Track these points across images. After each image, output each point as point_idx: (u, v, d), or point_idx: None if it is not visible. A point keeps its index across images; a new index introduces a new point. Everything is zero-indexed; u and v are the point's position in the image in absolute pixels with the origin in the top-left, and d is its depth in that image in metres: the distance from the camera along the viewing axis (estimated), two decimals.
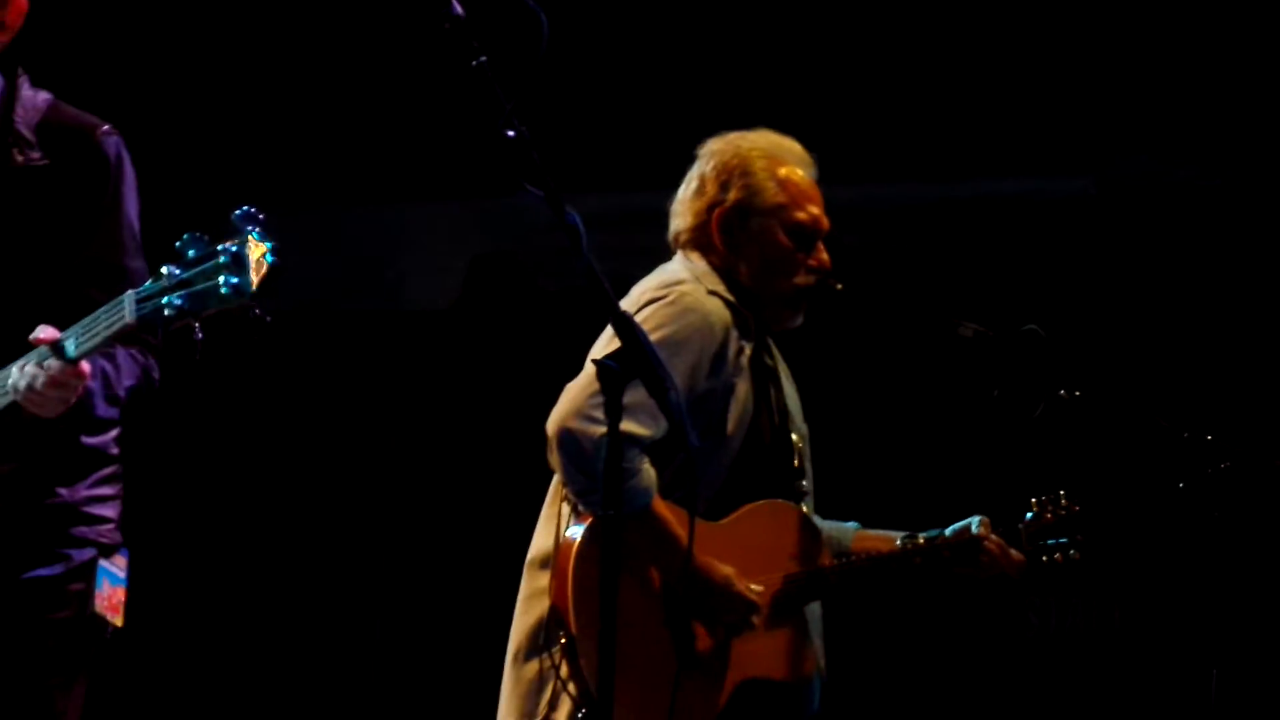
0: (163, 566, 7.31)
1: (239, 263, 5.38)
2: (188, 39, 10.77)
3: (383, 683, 11.07)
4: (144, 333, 5.79)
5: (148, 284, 5.50)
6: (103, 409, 5.91)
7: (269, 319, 5.50)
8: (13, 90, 6.06)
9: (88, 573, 6.06)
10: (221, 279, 5.38)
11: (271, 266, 5.40)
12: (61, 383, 5.66)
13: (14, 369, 5.74)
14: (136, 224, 6.15)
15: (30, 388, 5.70)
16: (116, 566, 6.10)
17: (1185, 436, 7.18)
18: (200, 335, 5.46)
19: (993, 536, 7.03)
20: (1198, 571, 9.51)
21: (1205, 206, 10.16)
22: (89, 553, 6.07)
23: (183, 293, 5.43)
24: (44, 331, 5.70)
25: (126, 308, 5.54)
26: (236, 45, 10.73)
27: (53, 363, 5.66)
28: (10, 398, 5.80)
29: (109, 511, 6.12)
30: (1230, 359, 9.84)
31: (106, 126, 6.10)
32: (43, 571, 6.01)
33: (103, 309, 5.62)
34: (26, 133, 6.05)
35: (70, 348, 5.67)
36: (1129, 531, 7.46)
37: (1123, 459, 7.39)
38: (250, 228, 5.40)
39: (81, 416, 5.87)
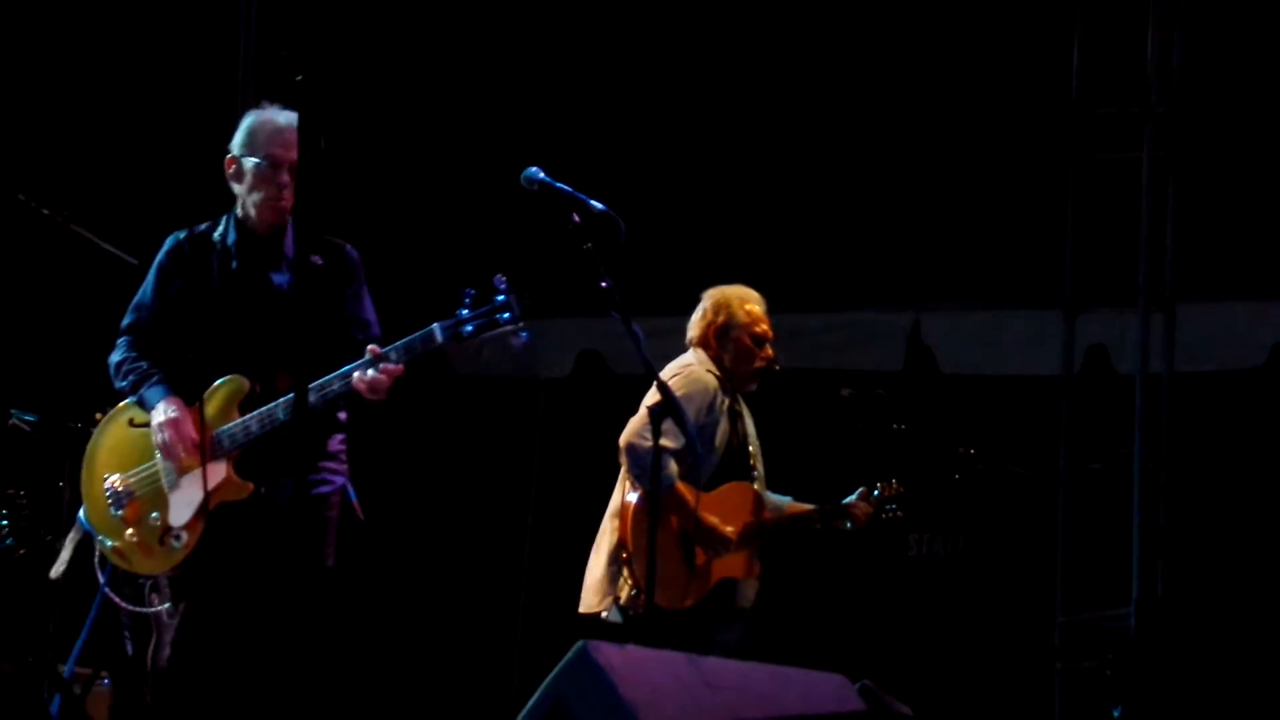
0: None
1: (509, 306, 5.65)
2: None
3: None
4: (446, 348, 5.73)
5: (447, 320, 5.67)
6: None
7: (528, 336, 5.70)
8: (288, 229, 6.00)
9: (343, 491, 6.05)
10: (498, 316, 5.64)
11: (528, 306, 5.66)
12: (393, 376, 5.71)
13: (355, 372, 5.68)
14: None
15: (375, 379, 5.68)
16: (351, 486, 6.07)
17: (960, 450, 7.46)
18: (484, 351, 5.78)
19: (860, 504, 7.33)
20: (968, 523, 9.97)
21: None
22: (340, 479, 6.06)
23: (472, 324, 5.66)
24: (372, 347, 5.74)
25: (437, 334, 5.70)
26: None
27: (388, 365, 5.69)
28: (332, 392, 5.70)
29: (344, 458, 6.10)
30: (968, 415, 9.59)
31: (350, 245, 6.09)
32: (323, 489, 5.99)
33: (415, 335, 5.71)
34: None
35: (394, 357, 5.71)
36: (932, 500, 7.55)
37: (927, 461, 7.46)
38: (510, 287, 5.66)
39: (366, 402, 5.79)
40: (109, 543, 6.01)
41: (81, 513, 6.10)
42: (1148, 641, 7.77)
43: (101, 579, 6.28)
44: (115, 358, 6.11)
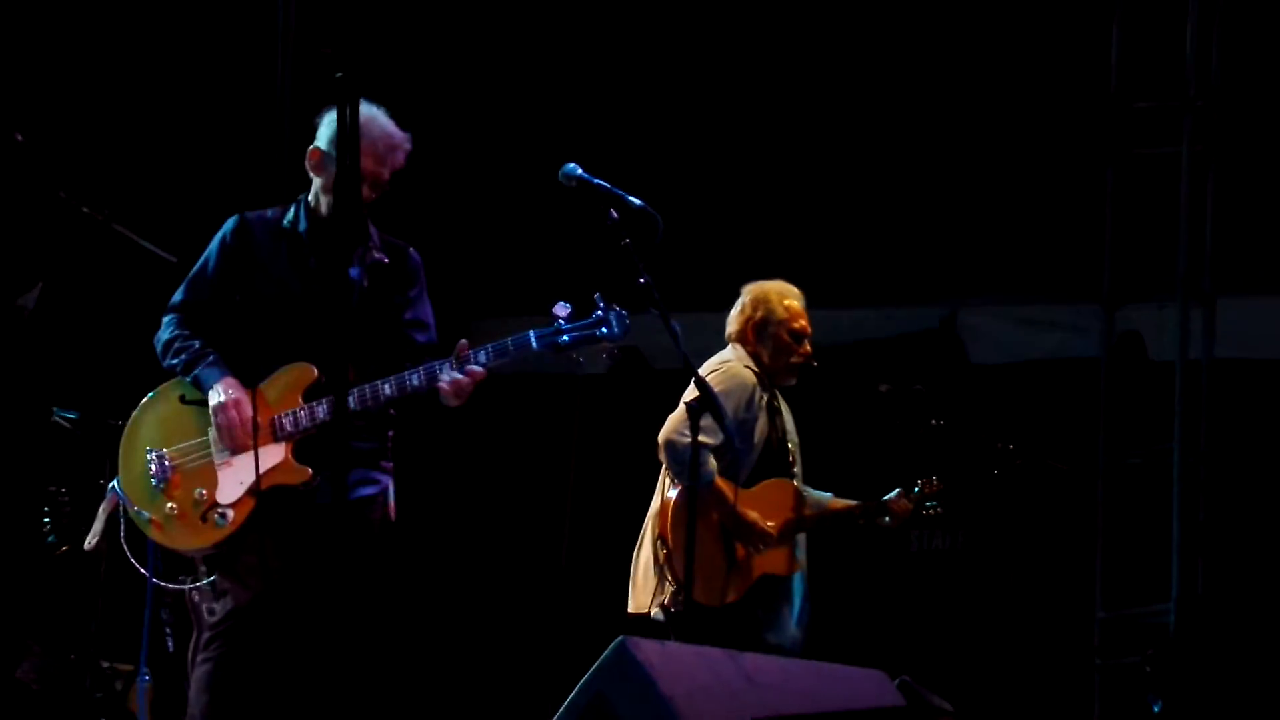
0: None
1: (608, 322, 5.65)
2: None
3: None
4: (539, 354, 5.68)
5: (544, 329, 5.66)
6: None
7: (619, 352, 5.74)
8: (366, 225, 5.90)
9: (386, 492, 5.96)
10: (596, 330, 5.65)
11: (628, 325, 5.66)
12: (476, 379, 5.68)
13: (441, 373, 5.65)
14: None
15: (459, 381, 5.66)
16: (393, 486, 5.99)
17: (998, 445, 7.45)
18: (581, 360, 5.73)
19: (899, 500, 7.31)
20: (1007, 518, 9.88)
21: None
22: (387, 480, 5.98)
23: (570, 336, 5.65)
24: (462, 343, 5.68)
25: (532, 340, 5.68)
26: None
27: (474, 368, 5.66)
28: (410, 386, 5.66)
29: (390, 455, 6.02)
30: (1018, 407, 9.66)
31: (413, 248, 6.04)
32: (370, 490, 5.90)
33: (508, 339, 5.68)
34: (378, 242, 5.94)
35: (482, 359, 5.68)
36: (971, 496, 7.60)
37: (965, 456, 7.46)
38: (608, 305, 5.67)
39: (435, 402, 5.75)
40: (145, 515, 5.86)
41: (116, 483, 5.96)
42: (1188, 638, 7.81)
43: (146, 572, 6.14)
44: (165, 335, 5.99)
